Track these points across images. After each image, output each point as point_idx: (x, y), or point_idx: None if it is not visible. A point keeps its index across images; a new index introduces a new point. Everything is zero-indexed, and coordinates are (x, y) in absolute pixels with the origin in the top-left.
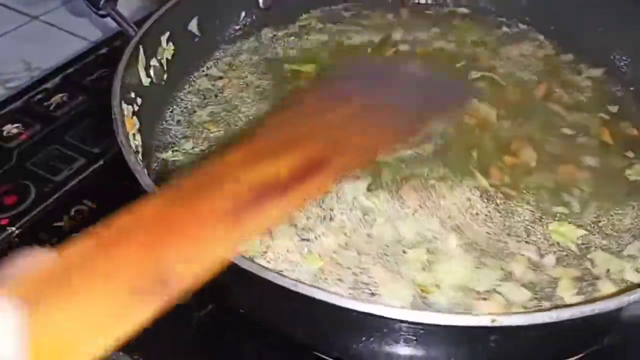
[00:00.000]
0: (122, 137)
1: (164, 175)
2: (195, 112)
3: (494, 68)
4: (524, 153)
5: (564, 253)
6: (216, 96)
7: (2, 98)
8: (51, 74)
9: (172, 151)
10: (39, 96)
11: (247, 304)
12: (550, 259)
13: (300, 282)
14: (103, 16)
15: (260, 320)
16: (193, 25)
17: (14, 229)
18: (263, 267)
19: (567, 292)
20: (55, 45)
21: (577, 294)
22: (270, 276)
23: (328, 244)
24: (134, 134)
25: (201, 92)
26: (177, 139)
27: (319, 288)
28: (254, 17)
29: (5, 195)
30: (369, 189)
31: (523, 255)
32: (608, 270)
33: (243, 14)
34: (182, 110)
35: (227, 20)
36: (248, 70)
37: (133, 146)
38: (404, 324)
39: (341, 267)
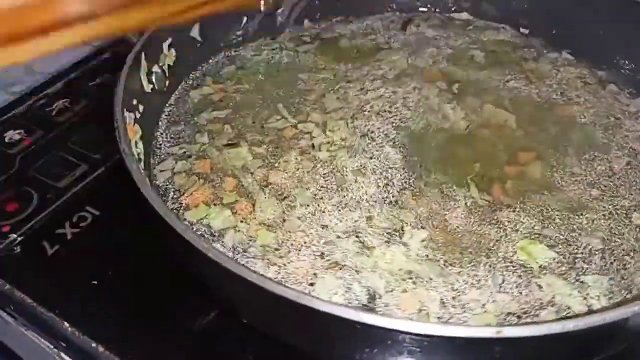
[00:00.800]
0: (124, 145)
1: (167, 181)
2: (197, 116)
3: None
4: (531, 168)
5: (517, 273)
6: (220, 101)
7: (5, 103)
8: (53, 79)
9: (174, 156)
10: (42, 101)
11: (250, 313)
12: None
13: (304, 293)
14: None
15: (263, 330)
16: (195, 32)
17: (15, 236)
18: (267, 278)
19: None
20: None
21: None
22: (274, 287)
23: None
24: (135, 142)
25: (203, 97)
26: (179, 144)
27: (322, 300)
28: (255, 23)
29: (7, 202)
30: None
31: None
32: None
33: (245, 19)
34: (184, 115)
35: (229, 26)
36: (250, 74)
37: (135, 154)
38: (408, 336)
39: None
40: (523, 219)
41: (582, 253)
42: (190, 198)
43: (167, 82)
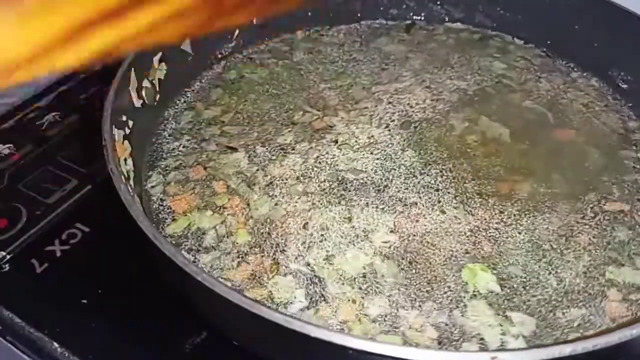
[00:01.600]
0: (112, 165)
1: (156, 197)
2: (188, 130)
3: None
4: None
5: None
6: (209, 112)
7: None
8: (43, 92)
9: (164, 171)
10: (31, 115)
11: (244, 338)
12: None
13: (297, 319)
14: None
15: (255, 353)
16: (186, 44)
17: (4, 253)
18: (267, 306)
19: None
20: None
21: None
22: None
23: None
24: (125, 159)
25: (194, 110)
26: (169, 158)
27: (315, 325)
28: (247, 34)
29: None
30: None
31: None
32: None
33: (237, 31)
34: (175, 129)
35: (220, 38)
36: (242, 86)
37: (124, 171)
38: None
39: None
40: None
41: (525, 289)
42: (179, 204)
43: (157, 97)
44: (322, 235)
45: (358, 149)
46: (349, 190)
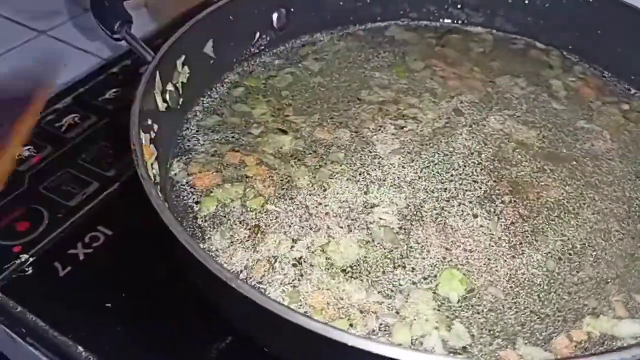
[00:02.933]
0: (142, 169)
1: (179, 201)
2: (209, 134)
3: None
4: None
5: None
6: (230, 116)
7: None
8: (61, 94)
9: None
10: (50, 117)
11: (272, 343)
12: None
13: (336, 328)
14: (118, 40)
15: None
16: (208, 48)
17: (27, 256)
18: (293, 310)
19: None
20: (64, 61)
21: None
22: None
23: None
24: (152, 164)
25: (215, 114)
26: (193, 162)
27: (352, 334)
28: (268, 38)
29: (18, 221)
30: None
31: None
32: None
33: (257, 34)
34: (197, 133)
35: (241, 42)
36: (263, 91)
37: (151, 176)
38: None
39: None
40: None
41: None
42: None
43: (180, 100)
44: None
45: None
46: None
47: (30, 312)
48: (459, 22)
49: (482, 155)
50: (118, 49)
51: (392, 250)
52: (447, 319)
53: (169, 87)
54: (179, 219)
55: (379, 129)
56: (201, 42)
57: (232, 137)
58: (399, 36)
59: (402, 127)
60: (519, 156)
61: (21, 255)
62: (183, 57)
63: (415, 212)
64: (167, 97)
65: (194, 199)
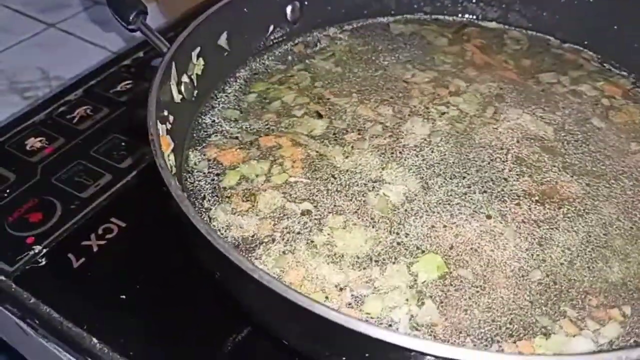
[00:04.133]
0: (161, 160)
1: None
2: (223, 127)
3: None
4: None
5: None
6: (244, 111)
7: (20, 107)
8: (73, 86)
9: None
10: (62, 109)
11: (296, 337)
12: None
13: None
14: (133, 31)
15: (305, 352)
16: (223, 40)
17: (40, 247)
18: (320, 303)
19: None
20: (73, 54)
21: None
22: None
23: None
24: (168, 155)
25: (230, 107)
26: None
27: (379, 327)
28: (282, 31)
29: (30, 213)
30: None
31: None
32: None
33: (271, 27)
34: (211, 125)
35: (255, 34)
36: (277, 84)
37: (169, 167)
38: None
39: None
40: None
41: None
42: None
43: (195, 92)
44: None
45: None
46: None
47: (44, 303)
48: (474, 16)
49: (509, 154)
50: (129, 42)
51: (378, 220)
52: (419, 293)
53: (184, 78)
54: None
55: (419, 111)
56: (216, 34)
57: (255, 126)
58: (413, 29)
59: (443, 113)
60: (546, 159)
61: (34, 247)
62: (198, 49)
63: (421, 197)
64: (182, 88)
65: (213, 179)
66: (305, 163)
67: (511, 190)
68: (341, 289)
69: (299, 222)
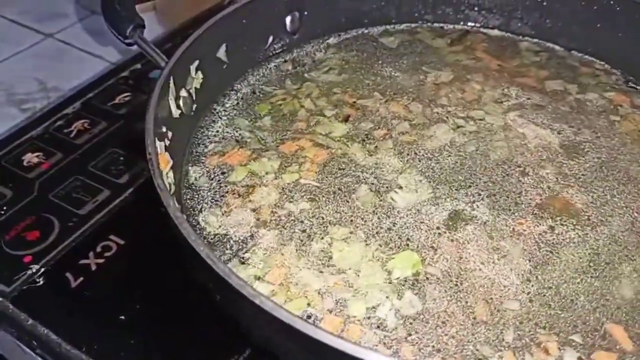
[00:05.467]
0: (159, 179)
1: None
2: (223, 141)
3: None
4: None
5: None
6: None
7: (17, 120)
8: (70, 99)
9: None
10: (59, 122)
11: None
12: None
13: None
14: (130, 45)
15: None
16: (221, 53)
17: (38, 266)
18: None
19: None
20: (71, 64)
21: None
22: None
23: None
24: (167, 172)
25: (229, 120)
26: (206, 171)
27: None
28: (281, 42)
29: (27, 231)
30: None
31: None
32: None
33: (271, 38)
34: (210, 141)
35: (254, 46)
36: (277, 95)
37: (167, 186)
38: None
39: None
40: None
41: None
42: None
43: (194, 107)
44: None
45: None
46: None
47: (42, 324)
48: (476, 24)
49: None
50: (127, 53)
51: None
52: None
53: (183, 92)
54: (196, 230)
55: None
56: (215, 46)
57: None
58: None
59: (467, 119)
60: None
61: (32, 266)
62: (197, 63)
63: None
64: (181, 103)
65: (219, 180)
66: (324, 165)
67: (517, 202)
68: (322, 295)
69: (294, 222)
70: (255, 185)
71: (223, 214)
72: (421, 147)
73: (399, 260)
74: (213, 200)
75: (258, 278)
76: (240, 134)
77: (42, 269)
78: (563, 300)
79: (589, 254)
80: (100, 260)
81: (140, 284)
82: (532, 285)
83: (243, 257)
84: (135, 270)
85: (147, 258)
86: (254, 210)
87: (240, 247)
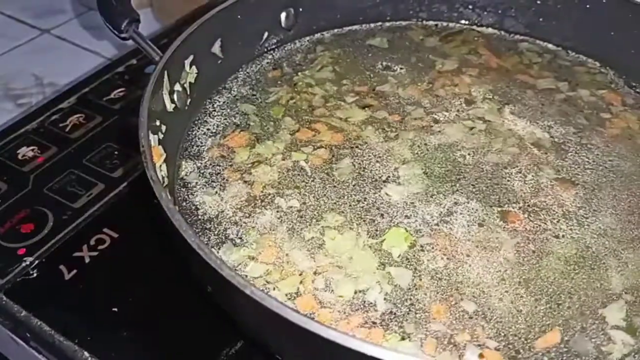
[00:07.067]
0: (152, 172)
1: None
2: (216, 135)
3: None
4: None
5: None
6: (235, 120)
7: (13, 114)
8: (66, 94)
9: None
10: (54, 117)
11: (289, 353)
12: None
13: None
14: (125, 39)
15: None
16: (216, 48)
17: (32, 259)
18: (311, 319)
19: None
20: (67, 60)
21: None
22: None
23: None
24: (160, 165)
25: (223, 114)
26: (201, 165)
27: (370, 343)
28: (276, 38)
29: (22, 223)
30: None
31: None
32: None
33: (265, 34)
34: (205, 135)
35: (249, 41)
36: (272, 90)
37: (160, 179)
38: None
39: None
40: None
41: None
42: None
43: (188, 101)
44: None
45: None
46: None
47: (35, 316)
48: (470, 22)
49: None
50: (123, 48)
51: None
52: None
53: (177, 87)
54: (188, 220)
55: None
56: (209, 41)
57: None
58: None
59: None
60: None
61: (26, 258)
62: (191, 57)
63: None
64: (175, 97)
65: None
66: (336, 149)
67: (507, 196)
68: (315, 273)
69: (291, 204)
70: (260, 162)
71: (216, 193)
72: (426, 141)
73: (389, 238)
74: (209, 182)
75: (252, 258)
76: (240, 120)
77: (36, 262)
78: (554, 295)
79: (579, 249)
80: (94, 253)
81: (134, 276)
82: (521, 280)
83: (236, 239)
84: (129, 263)
85: (141, 251)
86: (250, 185)
87: (234, 229)
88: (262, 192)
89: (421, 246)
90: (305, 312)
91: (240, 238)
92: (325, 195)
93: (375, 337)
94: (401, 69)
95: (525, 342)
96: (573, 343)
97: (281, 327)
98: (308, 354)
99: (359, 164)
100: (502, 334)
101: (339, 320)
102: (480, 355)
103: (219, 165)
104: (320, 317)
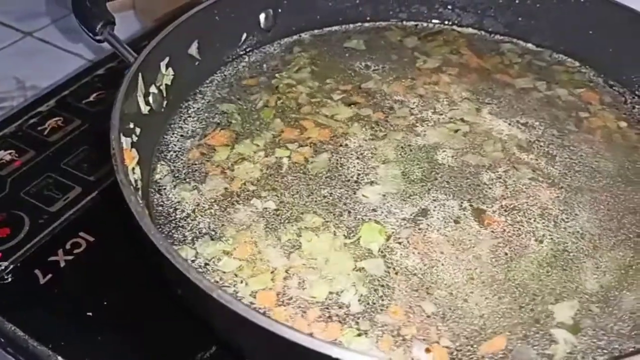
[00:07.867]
0: (121, 175)
1: (162, 206)
2: (195, 137)
3: None
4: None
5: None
6: (215, 120)
7: None
8: (45, 97)
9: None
10: (33, 120)
11: (255, 354)
12: None
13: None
14: (100, 41)
15: None
16: (193, 49)
17: (7, 263)
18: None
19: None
20: (49, 62)
21: None
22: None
23: None
24: (133, 168)
25: (200, 117)
26: (176, 167)
27: (337, 345)
28: (255, 39)
29: None
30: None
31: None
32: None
33: (244, 35)
34: (182, 137)
35: (228, 43)
36: (250, 92)
37: (132, 181)
38: None
39: None
40: None
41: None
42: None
43: (164, 103)
44: None
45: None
46: None
47: (9, 321)
48: (450, 22)
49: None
50: (103, 51)
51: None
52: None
53: (153, 89)
54: (163, 223)
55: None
56: (186, 43)
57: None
58: (392, 37)
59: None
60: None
61: (1, 263)
62: (167, 59)
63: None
64: (151, 99)
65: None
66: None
67: (484, 197)
68: (287, 272)
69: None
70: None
71: (195, 188)
72: (410, 142)
73: (364, 234)
74: (186, 180)
75: (227, 253)
76: (221, 119)
77: (11, 266)
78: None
79: (555, 249)
80: (70, 257)
81: (108, 280)
82: (489, 280)
83: (212, 232)
84: (104, 267)
85: (116, 255)
86: (229, 180)
87: (207, 221)
88: (240, 188)
89: (398, 241)
90: (263, 307)
91: (216, 231)
92: (302, 194)
93: (332, 332)
94: (383, 67)
95: (472, 346)
96: (516, 352)
97: (244, 327)
98: (273, 355)
99: (338, 161)
100: (456, 334)
101: (294, 316)
102: (427, 350)
103: (200, 164)
104: (275, 314)
